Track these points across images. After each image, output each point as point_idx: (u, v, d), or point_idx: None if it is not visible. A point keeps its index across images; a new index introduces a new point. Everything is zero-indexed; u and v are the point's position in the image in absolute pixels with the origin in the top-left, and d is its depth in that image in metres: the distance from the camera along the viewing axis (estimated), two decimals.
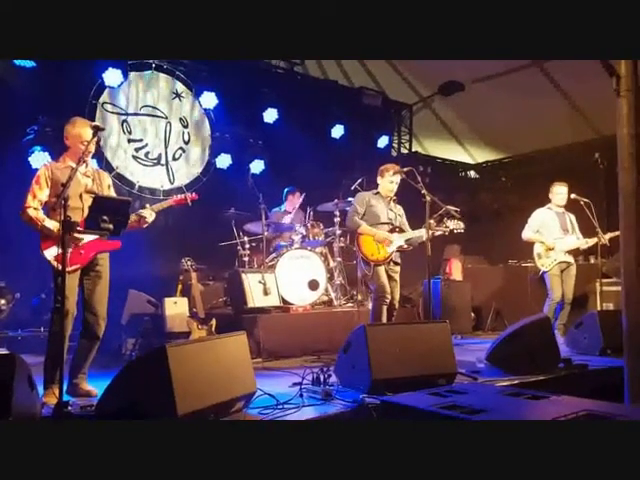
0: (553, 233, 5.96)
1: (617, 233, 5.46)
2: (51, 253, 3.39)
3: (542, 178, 6.78)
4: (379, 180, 5.04)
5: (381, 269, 4.79)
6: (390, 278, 4.84)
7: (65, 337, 3.34)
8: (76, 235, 3.40)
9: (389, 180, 4.95)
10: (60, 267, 3.30)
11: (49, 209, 3.50)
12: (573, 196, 5.95)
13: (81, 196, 3.50)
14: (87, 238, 3.49)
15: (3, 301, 5.69)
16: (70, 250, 3.40)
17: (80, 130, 3.51)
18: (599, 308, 6.05)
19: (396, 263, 4.90)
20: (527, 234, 6.10)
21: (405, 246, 4.84)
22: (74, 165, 3.49)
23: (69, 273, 3.38)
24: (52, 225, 3.38)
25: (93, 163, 6.30)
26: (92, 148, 3.53)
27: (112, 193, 3.81)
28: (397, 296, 4.91)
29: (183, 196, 3.99)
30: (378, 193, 5.01)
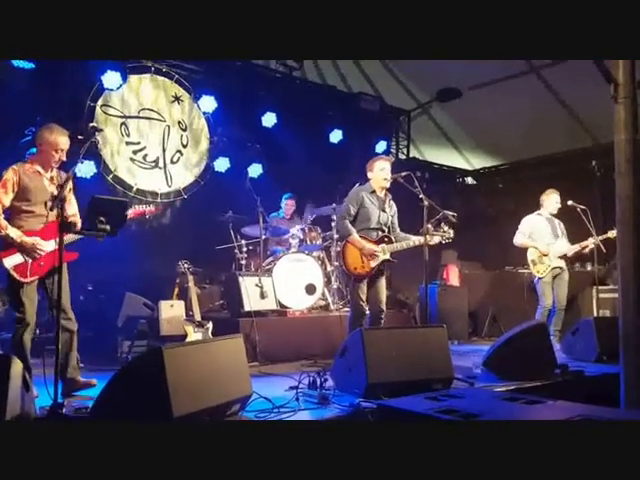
0: (545, 238, 5.98)
1: (609, 234, 5.50)
2: (10, 262, 3.31)
3: (539, 184, 6.79)
4: (370, 175, 4.76)
5: (361, 285, 4.55)
6: (376, 282, 4.62)
7: (26, 348, 3.34)
8: (38, 249, 3.36)
9: (379, 168, 4.67)
10: (19, 278, 3.30)
11: (11, 215, 3.41)
12: (570, 203, 5.97)
13: (46, 204, 3.42)
14: (47, 249, 3.43)
15: None
16: (30, 262, 3.35)
17: (57, 137, 3.46)
18: (595, 315, 6.05)
19: (381, 271, 4.63)
20: (520, 239, 6.10)
21: (391, 260, 4.59)
22: (42, 170, 3.48)
23: (28, 284, 3.35)
24: (14, 233, 3.31)
25: (92, 165, 6.39)
26: (64, 157, 3.50)
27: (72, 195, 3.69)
28: (384, 299, 4.65)
29: (142, 209, 3.82)
30: (374, 192, 4.71)
